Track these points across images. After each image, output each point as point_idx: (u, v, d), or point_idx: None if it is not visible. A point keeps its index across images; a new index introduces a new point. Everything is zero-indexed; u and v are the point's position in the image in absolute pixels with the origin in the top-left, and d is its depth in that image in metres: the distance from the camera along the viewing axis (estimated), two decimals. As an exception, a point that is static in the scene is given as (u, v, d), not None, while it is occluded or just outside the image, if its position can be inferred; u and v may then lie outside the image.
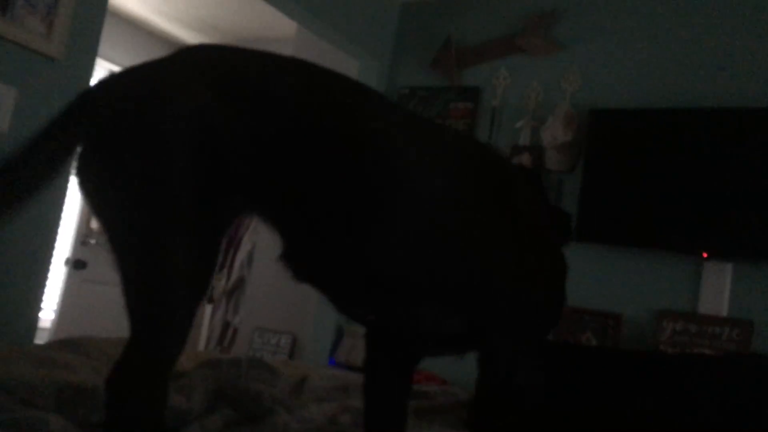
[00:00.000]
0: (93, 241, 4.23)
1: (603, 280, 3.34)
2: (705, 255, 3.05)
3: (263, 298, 4.13)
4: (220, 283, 4.61)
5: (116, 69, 4.60)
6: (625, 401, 1.39)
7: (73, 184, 1.00)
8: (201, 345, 4.66)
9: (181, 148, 0.90)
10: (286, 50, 4.68)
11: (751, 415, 1.25)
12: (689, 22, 3.35)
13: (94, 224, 4.18)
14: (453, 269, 1.02)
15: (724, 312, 3.03)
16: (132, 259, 0.96)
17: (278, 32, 4.85)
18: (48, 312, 4.22)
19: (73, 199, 4.15)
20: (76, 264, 4.17)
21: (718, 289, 3.06)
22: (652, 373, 1.41)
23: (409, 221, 0.98)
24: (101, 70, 4.37)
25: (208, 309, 4.78)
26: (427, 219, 0.99)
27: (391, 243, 0.98)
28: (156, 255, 0.93)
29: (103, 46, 2.85)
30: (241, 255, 4.53)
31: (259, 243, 4.26)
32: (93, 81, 2.66)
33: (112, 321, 4.44)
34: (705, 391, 1.33)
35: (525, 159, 3.58)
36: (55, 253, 2.49)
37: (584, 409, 1.42)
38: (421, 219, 0.99)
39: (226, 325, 4.57)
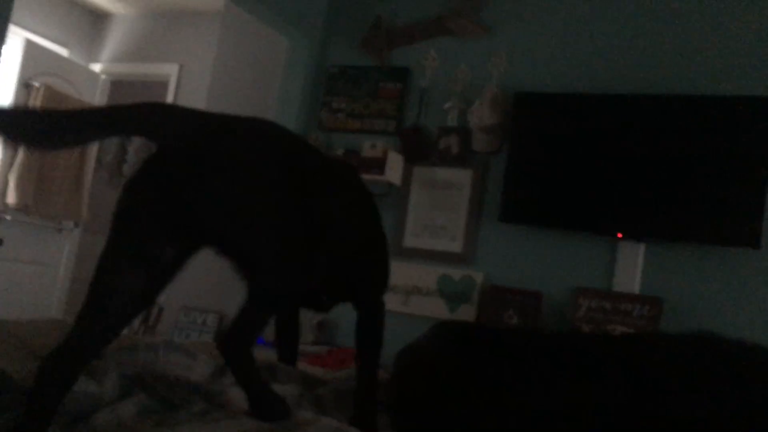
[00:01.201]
0: (9, 218, 4.06)
1: (525, 260, 3.45)
2: (620, 236, 3.19)
3: (189, 277, 4.04)
4: (144, 262, 4.51)
5: (32, 36, 4.40)
6: (539, 383, 1.44)
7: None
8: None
9: None
10: (213, 25, 4.58)
11: (652, 394, 1.32)
12: (613, 10, 3.45)
13: (11, 199, 4.01)
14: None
15: (636, 290, 3.18)
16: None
17: (206, 5, 4.74)
18: (-40, 291, 4.04)
19: (-13, 173, 3.98)
20: (-10, 241, 4.00)
21: (631, 268, 3.20)
22: (563, 353, 1.47)
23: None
24: (15, 37, 4.16)
25: (132, 288, 4.68)
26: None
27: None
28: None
29: (19, 13, 2.73)
30: (167, 233, 4.44)
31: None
32: (4, 48, 2.55)
33: (31, 300, 4.30)
34: (610, 371, 1.39)
35: (452, 140, 3.63)
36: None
37: (502, 392, 1.47)
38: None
39: (151, 304, 4.49)
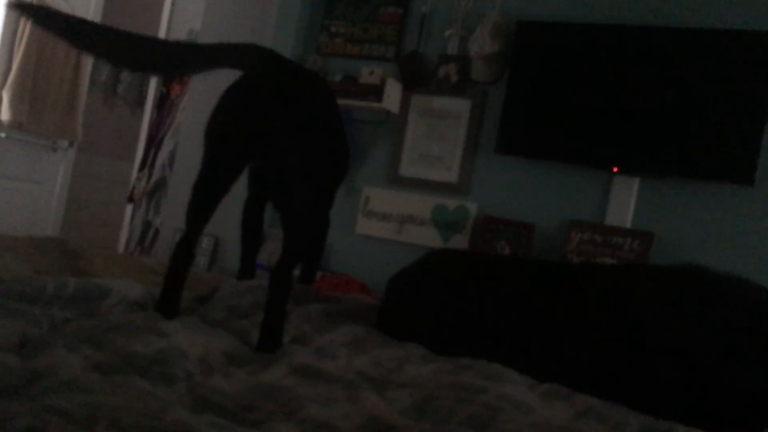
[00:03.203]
0: (3, 135, 4.02)
1: (519, 192, 3.46)
2: (615, 170, 3.19)
3: (185, 199, 4.06)
4: (141, 183, 4.50)
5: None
6: (526, 309, 1.47)
7: None
8: (121, 246, 4.60)
9: None
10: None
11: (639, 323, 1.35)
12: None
13: (4, 116, 3.96)
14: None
15: (628, 224, 3.21)
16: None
17: None
18: (-45, 208, 4.04)
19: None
20: (-17, 159, 3.97)
21: (624, 202, 3.22)
22: (550, 281, 1.49)
23: None
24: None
25: (128, 209, 4.69)
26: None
27: None
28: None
29: None
30: (163, 155, 4.42)
31: (181, 143, 4.16)
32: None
33: (25, 219, 4.31)
34: (597, 299, 1.42)
35: (452, 68, 3.57)
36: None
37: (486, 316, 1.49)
38: None
39: (147, 226, 4.51)
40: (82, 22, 1.38)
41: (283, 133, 1.35)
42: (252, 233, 1.88)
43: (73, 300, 1.21)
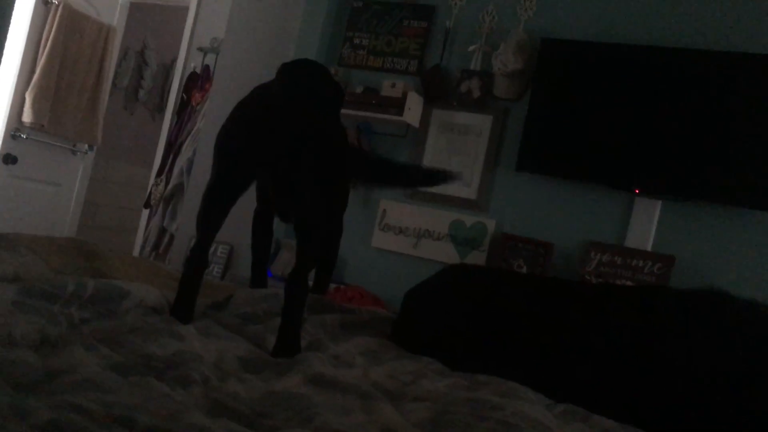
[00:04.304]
0: (24, 136, 4.05)
1: (538, 210, 3.43)
2: (637, 191, 3.16)
3: (202, 206, 4.07)
4: (158, 189, 4.52)
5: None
6: (545, 327, 1.45)
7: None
8: (135, 251, 4.61)
9: None
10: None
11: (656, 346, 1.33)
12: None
13: (27, 117, 4.00)
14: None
15: (649, 246, 3.17)
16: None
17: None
18: (-25, 206, 4.08)
19: (1, 88, 3.96)
20: (5, 158, 4.00)
21: (645, 224, 3.18)
22: (569, 300, 1.47)
23: None
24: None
25: (144, 214, 4.71)
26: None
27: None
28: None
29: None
30: (181, 161, 4.43)
31: (200, 150, 4.17)
32: None
33: (42, 219, 4.34)
34: (617, 320, 1.40)
35: (474, 84, 3.57)
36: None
37: (503, 332, 1.47)
38: None
39: (162, 232, 4.52)
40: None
41: (294, 142, 1.38)
42: (262, 242, 1.92)
43: (92, 300, 1.21)
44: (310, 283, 1.60)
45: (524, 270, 3.31)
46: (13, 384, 0.81)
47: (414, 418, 1.05)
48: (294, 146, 1.39)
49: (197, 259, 1.45)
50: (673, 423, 1.25)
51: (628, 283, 3.07)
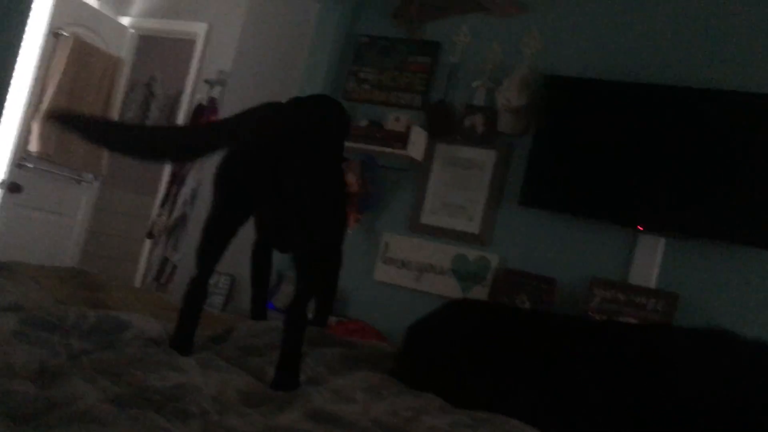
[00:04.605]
0: (30, 165, 4.08)
1: (542, 246, 3.42)
2: (640, 228, 3.15)
3: (205, 237, 4.06)
4: (161, 219, 4.53)
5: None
6: (547, 364, 1.44)
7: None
8: (138, 281, 4.60)
9: None
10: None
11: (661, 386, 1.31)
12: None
13: (33, 146, 4.03)
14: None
15: (652, 284, 3.15)
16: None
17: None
18: (-21, 234, 4.08)
19: (9, 117, 3.99)
20: (11, 187, 4.02)
21: (649, 261, 3.17)
22: (572, 337, 1.46)
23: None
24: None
25: (147, 244, 4.71)
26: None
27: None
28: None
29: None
30: (185, 192, 4.45)
31: (204, 181, 4.19)
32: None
33: (46, 248, 4.34)
34: (620, 358, 1.38)
35: (478, 119, 3.59)
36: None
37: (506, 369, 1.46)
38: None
39: (164, 262, 4.51)
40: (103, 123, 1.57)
41: (292, 176, 1.40)
42: (261, 274, 1.93)
43: (92, 331, 1.21)
44: (310, 315, 1.60)
45: (527, 305, 3.29)
46: (12, 416, 0.80)
47: (415, 456, 1.03)
48: (295, 177, 1.39)
49: (196, 291, 1.46)
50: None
51: (632, 320, 3.05)
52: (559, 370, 1.40)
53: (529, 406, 1.36)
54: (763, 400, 1.27)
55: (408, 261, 3.68)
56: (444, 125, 3.69)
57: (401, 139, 3.56)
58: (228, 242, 1.49)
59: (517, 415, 1.30)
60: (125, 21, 4.89)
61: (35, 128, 4.04)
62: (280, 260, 2.90)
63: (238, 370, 1.30)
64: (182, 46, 4.97)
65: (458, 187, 3.63)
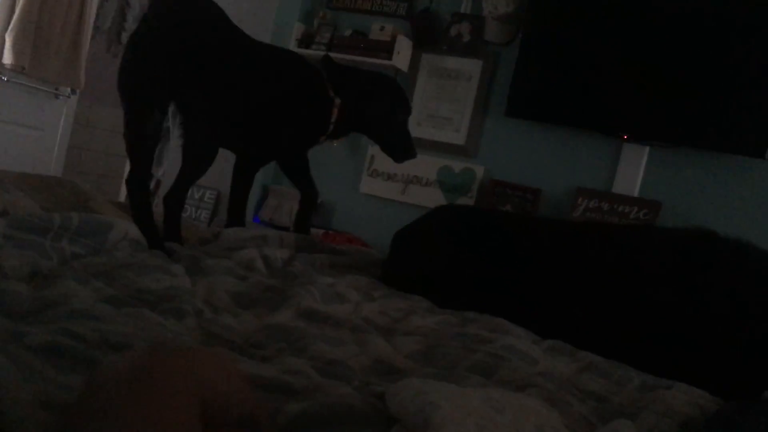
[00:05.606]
0: (5, 78, 3.97)
1: (527, 157, 3.43)
2: (625, 137, 3.16)
3: (188, 152, 4.02)
4: (143, 134, 4.47)
5: None
6: (531, 265, 1.46)
7: None
8: (121, 196, 4.58)
9: None
10: None
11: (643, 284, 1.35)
12: None
13: (7, 59, 3.91)
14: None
15: (636, 192, 3.19)
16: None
17: None
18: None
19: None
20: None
21: (633, 170, 3.20)
22: (556, 238, 1.48)
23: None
24: None
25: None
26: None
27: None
28: None
29: None
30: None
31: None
32: None
33: (25, 164, 4.28)
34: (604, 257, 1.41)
35: (464, 28, 3.52)
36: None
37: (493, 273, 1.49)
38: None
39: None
40: None
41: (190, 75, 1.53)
42: (239, 187, 2.02)
43: (79, 233, 1.21)
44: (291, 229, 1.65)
45: (512, 216, 3.33)
46: (6, 313, 0.81)
47: (406, 351, 1.07)
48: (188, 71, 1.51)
49: (137, 187, 1.59)
50: (660, 360, 1.27)
51: (615, 227, 3.10)
52: (542, 271, 1.43)
53: (512, 306, 1.39)
54: (743, 296, 1.31)
55: (393, 173, 3.68)
56: (429, 34, 3.61)
57: (386, 48, 3.50)
58: (157, 133, 1.63)
59: (502, 314, 1.34)
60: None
61: (8, 40, 3.91)
62: (264, 175, 2.87)
63: (226, 274, 1.32)
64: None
65: (444, 99, 3.60)
